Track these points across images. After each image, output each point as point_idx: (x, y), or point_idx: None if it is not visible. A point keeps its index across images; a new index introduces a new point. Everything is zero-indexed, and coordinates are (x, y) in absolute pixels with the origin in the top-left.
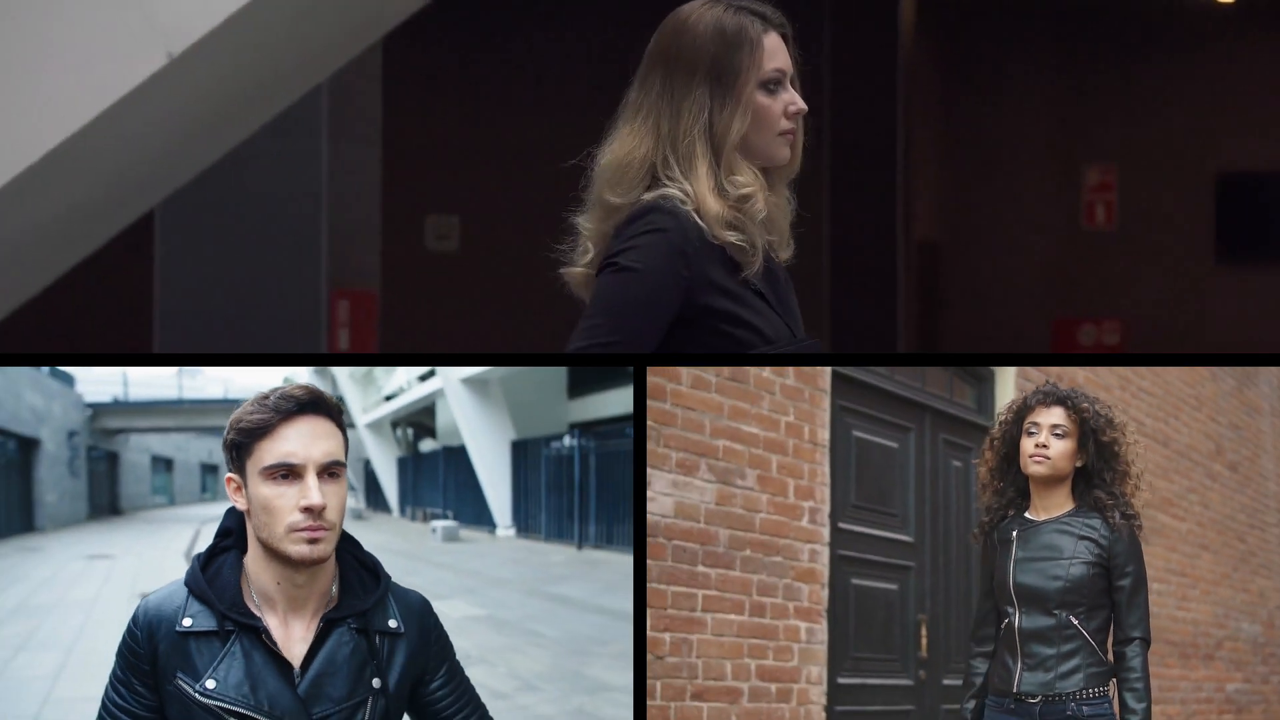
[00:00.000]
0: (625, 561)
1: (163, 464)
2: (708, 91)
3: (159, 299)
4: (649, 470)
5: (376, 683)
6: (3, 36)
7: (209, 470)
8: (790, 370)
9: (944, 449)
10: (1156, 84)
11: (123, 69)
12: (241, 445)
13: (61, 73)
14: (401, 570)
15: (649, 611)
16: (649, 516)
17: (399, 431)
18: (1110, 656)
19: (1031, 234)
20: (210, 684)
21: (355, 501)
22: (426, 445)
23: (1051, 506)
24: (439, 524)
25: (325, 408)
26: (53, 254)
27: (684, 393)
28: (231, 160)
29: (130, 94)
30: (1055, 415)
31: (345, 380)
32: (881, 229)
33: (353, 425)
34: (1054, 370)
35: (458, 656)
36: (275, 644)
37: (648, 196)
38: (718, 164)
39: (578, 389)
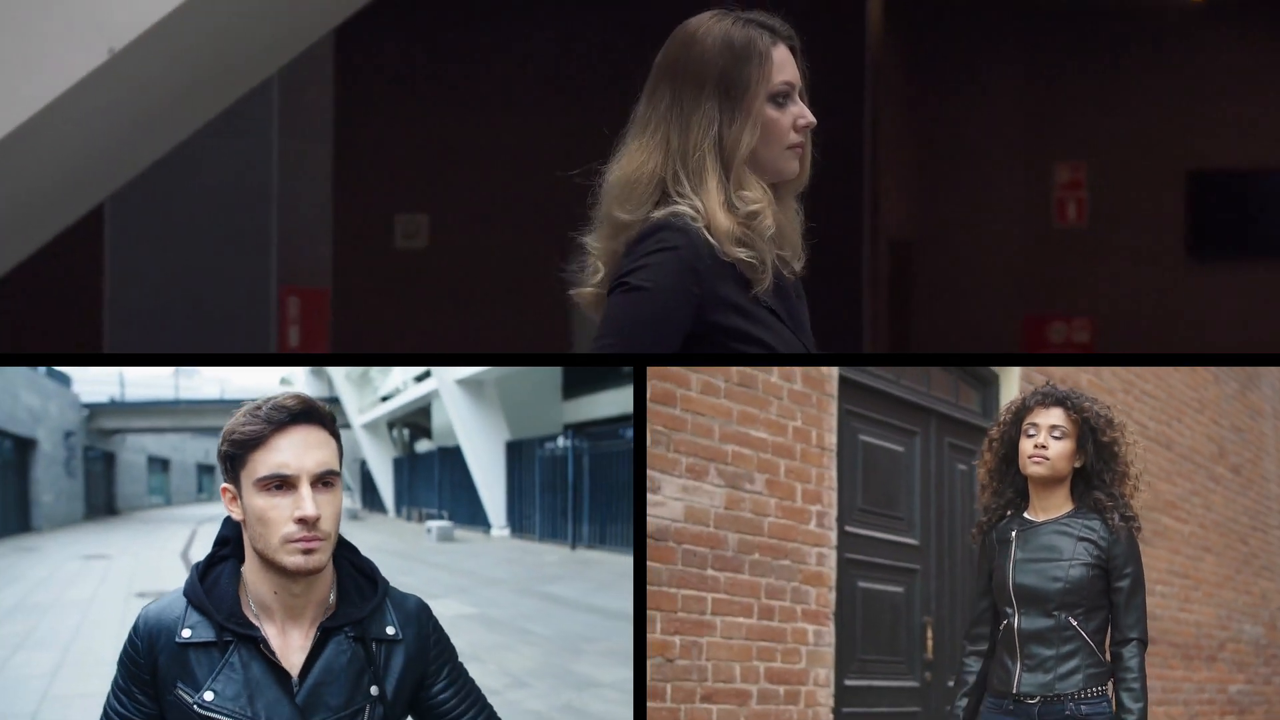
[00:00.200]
0: (618, 561)
1: (159, 464)
2: (716, 105)
3: (109, 295)
4: (660, 475)
5: (374, 690)
6: None
7: (205, 470)
8: (798, 376)
9: (949, 453)
10: (1126, 81)
11: (64, 65)
12: (235, 456)
13: (1, 68)
14: (396, 570)
15: (659, 615)
16: (660, 521)
17: (395, 432)
18: (1108, 657)
19: (1002, 232)
20: (209, 696)
21: (351, 502)
22: (422, 446)
23: (1050, 507)
24: (434, 524)
25: (318, 417)
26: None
27: (693, 398)
28: (181, 156)
29: (72, 89)
30: (1054, 416)
31: (341, 381)
32: (848, 228)
33: (348, 426)
34: (1057, 372)
35: None
36: (273, 653)
37: (658, 214)
38: (727, 178)
39: (572, 390)
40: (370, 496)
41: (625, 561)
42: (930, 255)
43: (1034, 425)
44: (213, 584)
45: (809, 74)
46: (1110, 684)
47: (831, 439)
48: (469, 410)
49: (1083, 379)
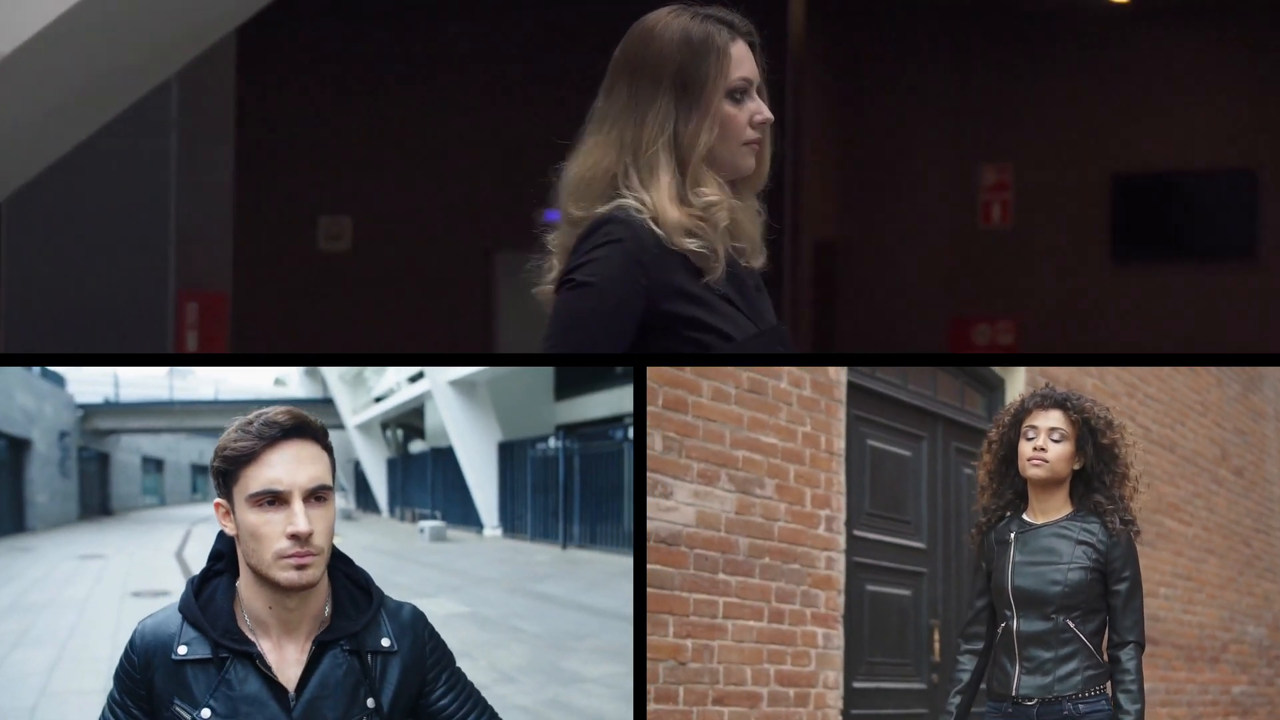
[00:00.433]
0: (608, 560)
1: (153, 465)
2: (673, 101)
3: (4, 298)
4: (672, 480)
5: (371, 703)
6: None
7: (199, 471)
8: (807, 381)
9: (955, 457)
10: (1052, 83)
11: None
12: (227, 472)
13: None
14: (389, 570)
15: (672, 619)
16: (672, 526)
17: (389, 433)
18: (1105, 658)
19: (928, 233)
20: (205, 713)
21: (345, 502)
22: (416, 446)
23: (1049, 510)
24: (427, 524)
25: (310, 431)
26: None
27: (705, 404)
28: (78, 158)
29: None
30: (1053, 418)
31: (335, 381)
32: (769, 228)
33: (342, 426)
34: (1061, 376)
35: None
36: (269, 669)
37: (602, 209)
38: (683, 176)
39: (564, 392)
40: (364, 497)
41: (615, 561)
42: (854, 256)
43: (1033, 428)
44: (208, 600)
45: (768, 69)
46: (1108, 685)
47: (840, 444)
48: (462, 411)
49: (1087, 382)
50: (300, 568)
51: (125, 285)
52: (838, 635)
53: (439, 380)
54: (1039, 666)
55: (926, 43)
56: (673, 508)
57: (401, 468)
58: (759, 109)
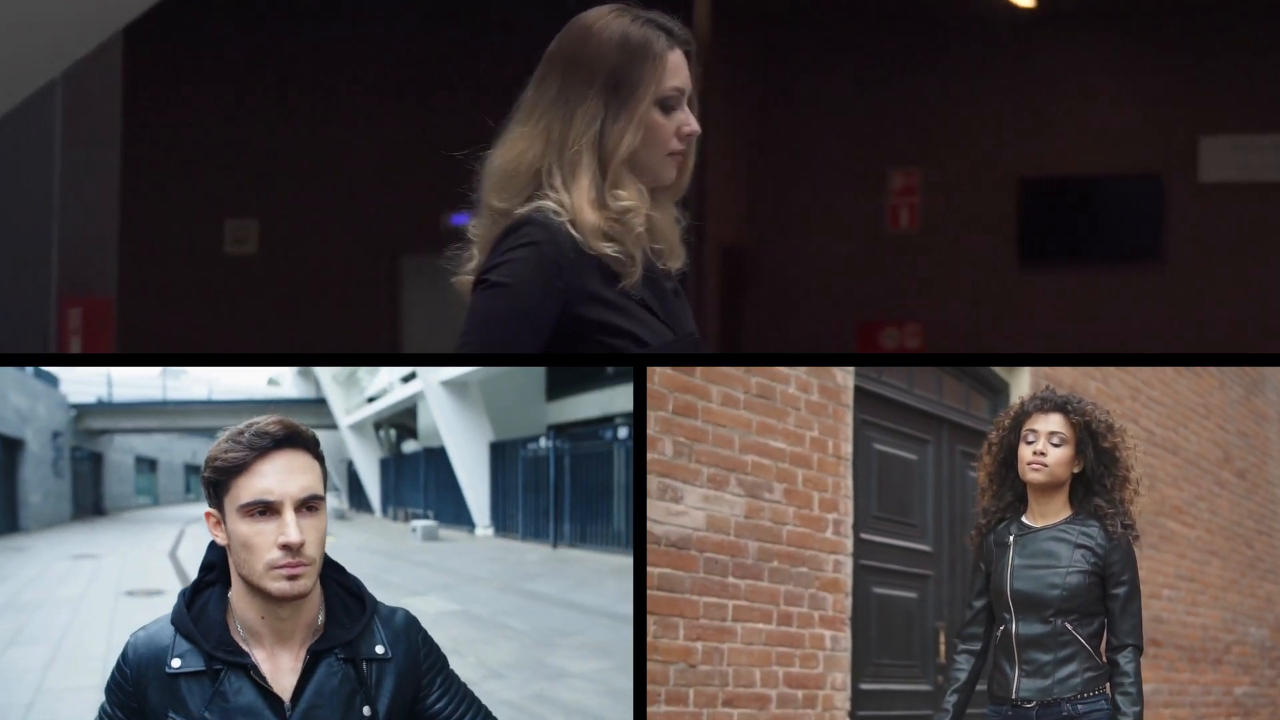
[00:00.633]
0: (598, 559)
1: (146, 464)
2: (603, 101)
3: None
4: (682, 485)
5: (367, 711)
6: None
7: (192, 471)
8: (815, 386)
9: (961, 460)
10: (959, 88)
11: None
12: (218, 483)
13: None
14: (382, 569)
15: (682, 621)
16: (682, 530)
17: (381, 433)
18: (1104, 660)
19: (835, 237)
20: None
21: (338, 502)
22: (408, 446)
23: (1049, 513)
24: (419, 524)
25: (301, 441)
26: None
27: (714, 410)
28: None
29: None
30: (1053, 422)
31: (329, 381)
32: (688, 234)
33: (335, 427)
34: (1065, 379)
35: None
36: (264, 679)
37: (522, 210)
38: (603, 177)
39: (555, 392)
40: (357, 496)
41: (605, 559)
42: (762, 260)
43: (1033, 431)
44: (200, 611)
45: (701, 80)
46: (1108, 686)
47: (847, 448)
48: (454, 411)
49: (1091, 385)
50: (292, 578)
51: (5, 290)
52: (845, 637)
53: (431, 380)
54: (1038, 669)
55: (834, 47)
56: (683, 512)
57: (394, 468)
58: (687, 121)
